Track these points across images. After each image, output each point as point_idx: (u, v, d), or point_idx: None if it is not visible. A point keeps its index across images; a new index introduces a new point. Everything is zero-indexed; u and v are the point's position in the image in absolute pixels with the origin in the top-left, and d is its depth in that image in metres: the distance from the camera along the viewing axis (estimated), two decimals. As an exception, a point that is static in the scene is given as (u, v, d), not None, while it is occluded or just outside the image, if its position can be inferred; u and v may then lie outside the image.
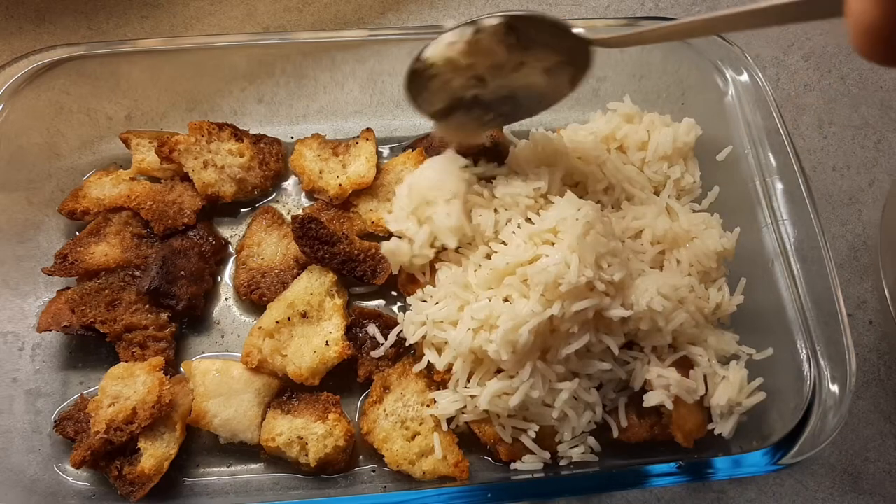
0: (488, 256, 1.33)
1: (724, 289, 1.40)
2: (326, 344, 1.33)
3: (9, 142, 1.40)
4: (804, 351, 1.28)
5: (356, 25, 1.82)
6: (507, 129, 1.53)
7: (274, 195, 1.57)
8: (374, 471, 1.34)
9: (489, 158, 1.46)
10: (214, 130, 1.50)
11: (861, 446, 1.49)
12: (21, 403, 1.34)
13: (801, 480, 1.46)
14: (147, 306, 1.38)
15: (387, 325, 1.38)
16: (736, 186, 1.45)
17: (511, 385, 1.24)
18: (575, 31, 1.18)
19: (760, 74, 1.47)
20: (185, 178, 1.49)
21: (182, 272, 1.40)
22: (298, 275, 1.42)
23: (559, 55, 1.21)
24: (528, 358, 1.23)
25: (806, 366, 1.27)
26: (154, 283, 1.37)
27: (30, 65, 1.40)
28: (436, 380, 1.33)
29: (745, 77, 1.48)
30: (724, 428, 1.31)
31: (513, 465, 1.30)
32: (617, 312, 1.23)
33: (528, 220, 1.33)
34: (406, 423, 1.31)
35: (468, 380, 1.28)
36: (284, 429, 1.28)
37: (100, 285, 1.38)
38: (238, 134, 1.52)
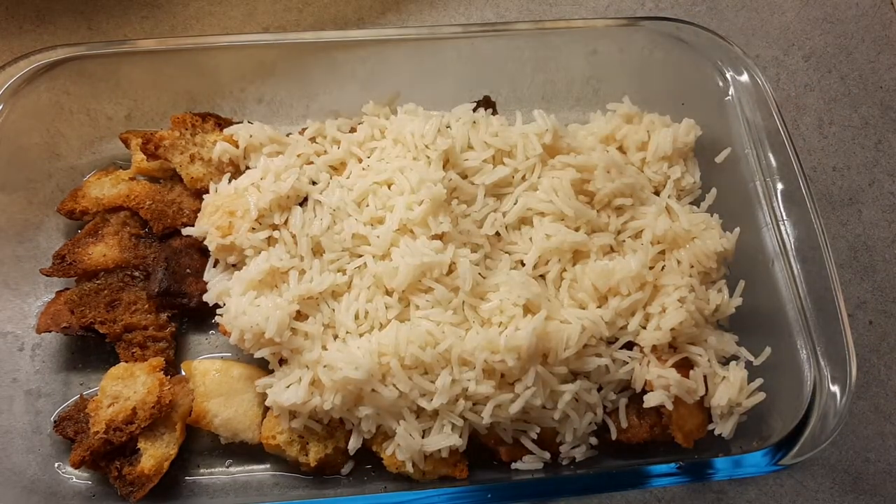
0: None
1: (723, 290, 1.40)
2: None
3: (9, 142, 1.40)
4: (804, 351, 1.28)
5: (356, 25, 1.82)
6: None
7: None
8: (373, 471, 1.34)
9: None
10: (198, 122, 1.49)
11: (861, 446, 1.49)
12: (21, 403, 1.34)
13: (802, 481, 1.46)
14: (147, 306, 1.38)
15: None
16: (736, 187, 1.45)
17: (513, 393, 1.24)
18: None
19: (760, 74, 1.47)
20: (186, 177, 1.49)
21: (188, 270, 1.40)
22: None
23: None
24: (531, 363, 1.24)
25: (806, 366, 1.27)
26: (163, 284, 1.37)
27: (30, 65, 1.40)
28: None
29: (745, 77, 1.48)
30: (724, 428, 1.31)
31: (513, 465, 1.30)
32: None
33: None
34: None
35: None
36: (285, 427, 1.28)
37: (99, 286, 1.38)
38: (222, 123, 1.51)
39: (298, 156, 1.44)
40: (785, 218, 1.37)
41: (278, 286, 1.32)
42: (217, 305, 1.35)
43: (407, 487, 1.30)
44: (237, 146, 1.46)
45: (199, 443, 1.36)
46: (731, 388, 1.30)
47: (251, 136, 1.45)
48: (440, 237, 1.32)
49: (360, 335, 1.28)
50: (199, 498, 1.31)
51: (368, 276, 1.31)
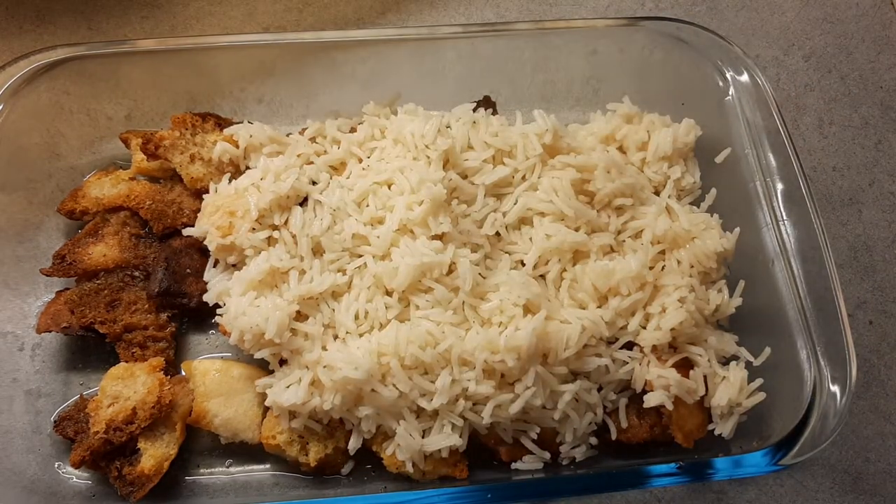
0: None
1: (723, 290, 1.40)
2: None
3: (9, 142, 1.40)
4: (804, 351, 1.28)
5: (356, 25, 1.82)
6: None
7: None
8: (374, 471, 1.34)
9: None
10: (198, 122, 1.49)
11: (861, 446, 1.49)
12: (21, 403, 1.34)
13: (801, 481, 1.46)
14: (146, 306, 1.38)
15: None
16: (736, 187, 1.45)
17: (513, 393, 1.24)
18: None
19: (760, 74, 1.47)
20: (186, 177, 1.49)
21: (188, 270, 1.40)
22: None
23: None
24: (531, 363, 1.23)
25: (806, 366, 1.27)
26: (163, 284, 1.37)
27: (30, 65, 1.40)
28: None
29: (745, 77, 1.48)
30: (724, 428, 1.31)
31: (513, 465, 1.30)
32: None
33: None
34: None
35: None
36: (285, 427, 1.28)
37: (99, 286, 1.38)
38: (222, 123, 1.51)
39: (298, 156, 1.44)
40: (785, 218, 1.37)
41: (278, 286, 1.32)
42: (217, 305, 1.35)
43: (407, 487, 1.30)
44: (237, 146, 1.46)
45: (199, 443, 1.36)
46: (731, 388, 1.30)
47: (251, 136, 1.45)
48: (440, 237, 1.32)
49: (360, 335, 1.28)
50: (199, 498, 1.31)
51: (368, 277, 1.30)
